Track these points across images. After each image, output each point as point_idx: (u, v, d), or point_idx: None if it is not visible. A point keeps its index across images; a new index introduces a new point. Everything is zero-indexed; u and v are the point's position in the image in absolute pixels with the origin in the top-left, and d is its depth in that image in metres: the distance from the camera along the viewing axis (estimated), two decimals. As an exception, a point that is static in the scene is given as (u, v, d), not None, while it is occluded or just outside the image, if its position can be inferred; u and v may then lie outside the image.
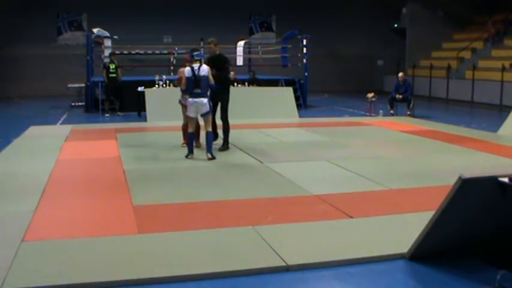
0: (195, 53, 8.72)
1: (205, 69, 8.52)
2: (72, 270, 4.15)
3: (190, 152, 8.64)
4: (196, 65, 8.51)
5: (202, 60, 8.70)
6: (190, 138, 8.71)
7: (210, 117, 8.68)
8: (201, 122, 8.92)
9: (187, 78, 8.52)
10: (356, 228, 5.22)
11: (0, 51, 21.91)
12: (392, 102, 15.42)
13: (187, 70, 8.55)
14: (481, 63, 20.86)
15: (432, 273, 4.23)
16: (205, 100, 8.51)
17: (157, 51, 21.19)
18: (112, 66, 15.95)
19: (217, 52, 9.44)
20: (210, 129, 8.64)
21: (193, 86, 8.48)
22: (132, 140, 10.78)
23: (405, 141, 10.76)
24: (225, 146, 9.35)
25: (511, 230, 4.33)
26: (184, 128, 9.40)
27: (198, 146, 9.29)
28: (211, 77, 8.63)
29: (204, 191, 6.60)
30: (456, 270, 4.25)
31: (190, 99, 8.56)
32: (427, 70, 22.67)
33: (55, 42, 23.68)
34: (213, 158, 8.47)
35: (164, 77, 15.65)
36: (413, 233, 4.45)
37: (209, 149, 8.55)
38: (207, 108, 8.52)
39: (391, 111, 15.34)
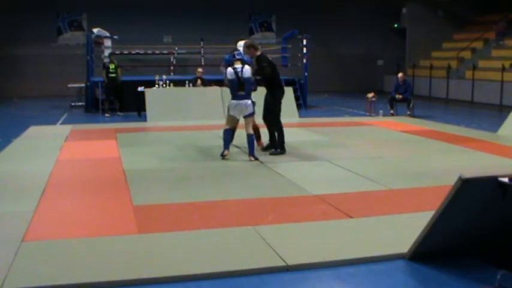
0: (236, 52, 8.44)
1: (248, 71, 8.30)
2: (72, 270, 4.15)
3: (227, 148, 8.50)
4: (238, 66, 8.28)
5: (244, 60, 8.40)
6: (228, 135, 8.54)
7: (251, 120, 8.48)
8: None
9: (231, 80, 8.31)
10: (356, 228, 5.22)
11: (0, 51, 21.90)
12: (392, 102, 15.42)
13: (229, 71, 8.30)
14: (481, 63, 20.86)
15: (432, 273, 4.23)
16: (249, 102, 8.34)
17: (157, 51, 21.20)
18: (112, 66, 15.94)
19: (257, 53, 8.93)
20: (251, 131, 8.43)
21: (237, 89, 8.31)
22: (132, 140, 10.78)
23: (405, 141, 10.76)
24: (279, 150, 8.90)
25: (511, 230, 4.33)
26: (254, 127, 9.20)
27: (261, 146, 9.20)
28: (253, 78, 8.49)
29: (204, 191, 6.60)
30: (456, 270, 4.25)
31: (233, 101, 8.37)
32: (427, 70, 22.67)
33: (55, 42, 23.66)
34: (256, 159, 8.33)
35: (164, 77, 15.65)
36: (413, 233, 4.45)
37: (251, 151, 8.41)
38: (250, 109, 8.37)
39: (391, 111, 15.33)
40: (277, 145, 9.01)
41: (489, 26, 22.76)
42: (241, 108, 8.38)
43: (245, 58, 8.67)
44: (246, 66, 8.34)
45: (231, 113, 8.49)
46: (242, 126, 9.29)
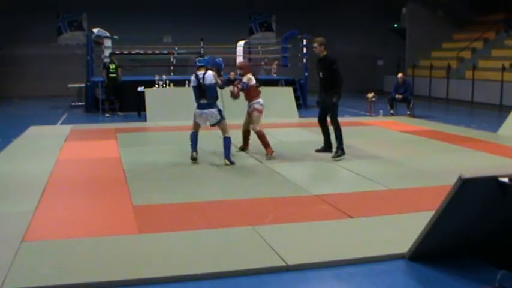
0: (198, 59, 8.19)
1: (209, 77, 7.94)
2: (72, 270, 4.15)
3: (194, 150, 8.24)
4: (200, 72, 7.98)
5: (209, 66, 8.11)
6: (194, 136, 8.30)
7: (223, 124, 8.18)
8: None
9: (193, 88, 8.11)
10: (356, 228, 5.23)
11: (0, 51, 21.91)
12: (392, 102, 15.42)
13: (192, 78, 8.12)
14: (481, 63, 20.85)
15: (432, 273, 4.23)
16: (214, 110, 8.04)
17: (157, 51, 21.20)
18: (112, 66, 15.95)
19: (324, 53, 8.78)
20: (227, 134, 8.13)
21: (199, 96, 8.04)
22: (132, 140, 10.78)
23: (405, 141, 10.76)
24: (339, 152, 8.67)
25: (511, 230, 4.33)
26: (245, 133, 9.09)
27: (246, 149, 9.15)
28: (219, 81, 8.15)
29: (204, 191, 6.60)
30: (456, 270, 4.24)
31: (197, 111, 8.12)
32: (427, 70, 22.66)
33: (55, 42, 23.68)
34: (232, 163, 8.04)
35: (164, 77, 15.65)
36: (413, 233, 4.45)
37: (227, 154, 8.08)
38: (216, 118, 8.07)
39: (391, 111, 15.33)
40: (337, 146, 8.75)
41: (489, 26, 22.74)
42: (206, 118, 8.09)
43: (218, 60, 8.44)
44: (209, 72, 7.98)
45: (197, 120, 8.22)
46: (238, 126, 9.26)
